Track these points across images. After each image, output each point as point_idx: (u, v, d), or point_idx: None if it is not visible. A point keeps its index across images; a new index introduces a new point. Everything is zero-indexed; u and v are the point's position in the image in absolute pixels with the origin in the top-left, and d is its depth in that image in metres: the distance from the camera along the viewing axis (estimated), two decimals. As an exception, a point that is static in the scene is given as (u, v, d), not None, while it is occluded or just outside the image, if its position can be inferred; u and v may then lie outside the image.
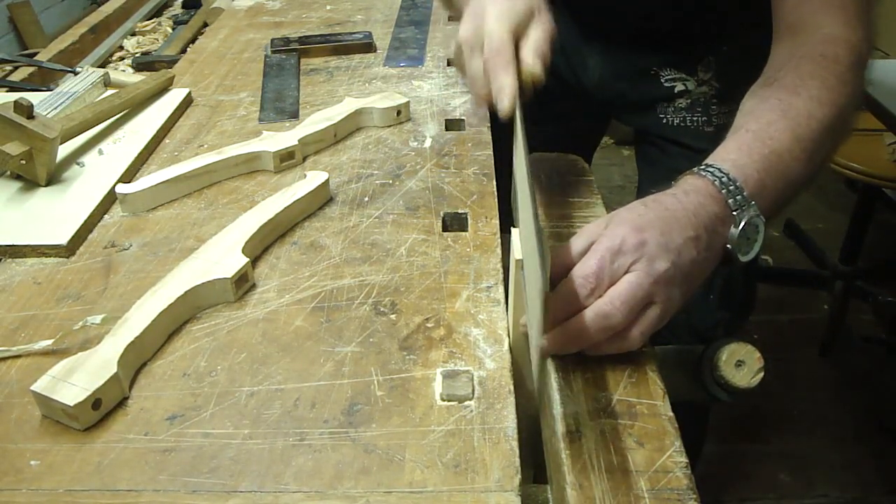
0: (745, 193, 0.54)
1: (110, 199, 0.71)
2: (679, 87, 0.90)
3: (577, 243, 0.53)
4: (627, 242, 0.49)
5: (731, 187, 0.54)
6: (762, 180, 0.55)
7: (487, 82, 0.59)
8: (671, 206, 0.53)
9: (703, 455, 1.28)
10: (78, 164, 0.77)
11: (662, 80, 0.91)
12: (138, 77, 0.97)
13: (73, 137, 0.78)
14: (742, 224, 0.53)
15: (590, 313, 0.48)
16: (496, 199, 0.69)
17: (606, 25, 0.92)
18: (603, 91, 0.96)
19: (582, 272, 0.49)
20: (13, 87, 0.98)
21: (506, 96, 0.57)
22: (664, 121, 0.93)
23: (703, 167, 0.56)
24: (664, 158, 0.95)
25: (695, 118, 0.91)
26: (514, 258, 0.51)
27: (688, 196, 0.54)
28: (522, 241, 0.51)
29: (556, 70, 0.98)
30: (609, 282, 0.48)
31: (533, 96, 0.60)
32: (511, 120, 0.58)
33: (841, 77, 0.60)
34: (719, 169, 0.55)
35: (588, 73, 0.96)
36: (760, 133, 0.58)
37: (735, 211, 0.53)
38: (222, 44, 1.12)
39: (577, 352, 0.50)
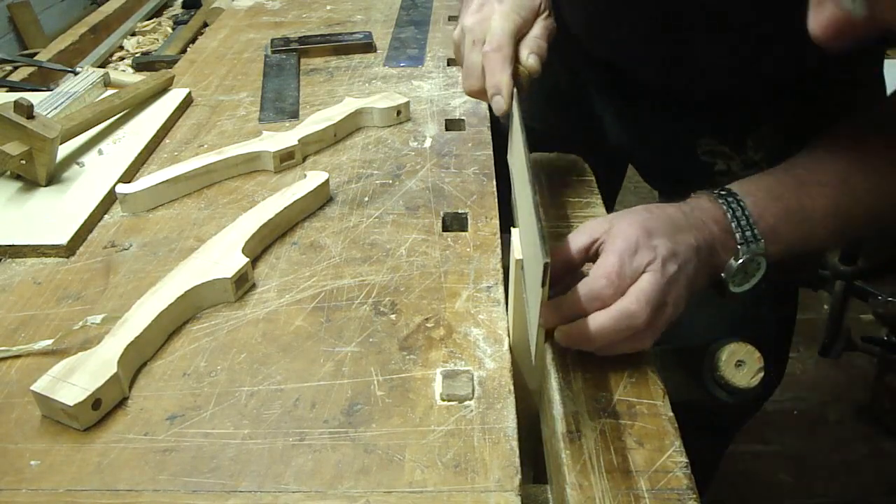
0: (755, 231, 0.53)
1: (110, 199, 0.71)
2: (720, 165, 0.72)
3: (577, 239, 0.52)
4: (641, 243, 0.49)
5: (742, 221, 0.53)
6: (776, 227, 0.54)
7: (482, 76, 0.59)
8: (674, 214, 0.53)
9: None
10: (78, 164, 0.77)
11: (699, 153, 0.72)
12: (138, 77, 0.97)
13: (73, 137, 0.78)
14: (743, 258, 0.53)
15: (615, 312, 0.48)
16: (496, 199, 0.69)
17: (629, 81, 0.76)
18: (622, 152, 0.84)
19: (604, 271, 0.49)
20: (13, 87, 0.98)
21: (502, 96, 0.57)
22: None
23: (723, 192, 0.54)
24: None
25: None
26: (514, 258, 0.51)
27: (692, 211, 0.53)
28: (522, 232, 0.51)
29: (564, 130, 0.86)
30: (629, 281, 0.48)
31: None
32: (507, 116, 0.59)
33: None
34: (738, 201, 0.53)
35: (603, 131, 0.83)
36: (802, 188, 0.55)
37: (741, 244, 0.53)
38: (222, 44, 1.12)
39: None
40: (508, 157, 0.64)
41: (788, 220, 0.54)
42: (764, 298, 0.78)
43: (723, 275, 0.53)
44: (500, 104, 0.58)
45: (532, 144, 0.58)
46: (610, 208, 0.94)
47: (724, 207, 0.53)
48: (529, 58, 0.59)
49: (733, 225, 0.53)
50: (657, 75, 0.72)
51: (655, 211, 0.53)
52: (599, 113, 0.82)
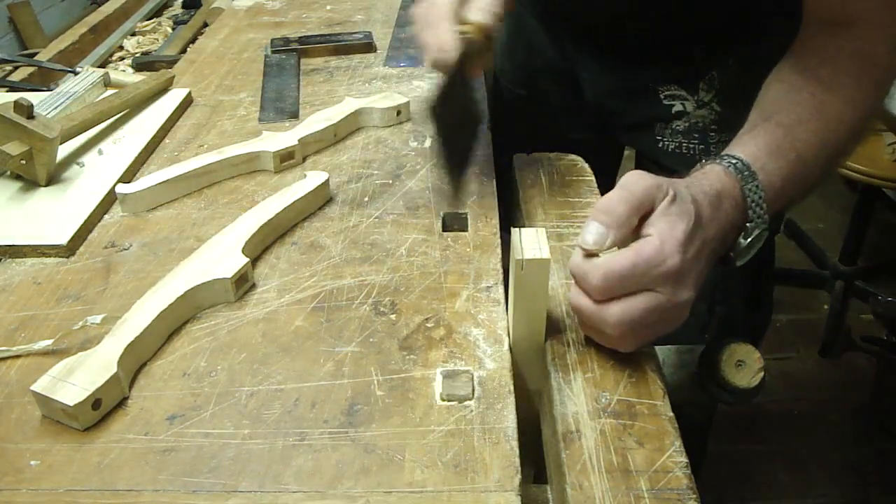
0: (763, 205, 0.53)
1: (110, 199, 0.71)
2: (677, 106, 0.85)
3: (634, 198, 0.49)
4: (667, 269, 0.46)
5: (755, 196, 0.53)
6: (782, 188, 0.55)
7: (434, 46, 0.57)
8: (705, 212, 0.50)
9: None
10: (78, 164, 0.77)
11: (661, 97, 0.86)
12: (138, 77, 0.97)
13: (73, 137, 0.78)
14: (752, 237, 0.53)
15: (589, 321, 0.48)
16: (496, 199, 0.69)
17: (600, 36, 0.88)
18: (599, 108, 0.92)
19: (620, 266, 0.46)
20: (13, 87, 0.98)
21: (448, 46, 0.55)
22: (660, 144, 0.88)
23: (735, 161, 0.54)
24: None
25: (692, 145, 0.86)
26: (513, 258, 0.51)
27: (720, 202, 0.52)
28: None
29: (548, 92, 0.95)
30: (632, 290, 0.47)
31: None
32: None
33: (876, 79, 0.58)
34: (750, 171, 0.53)
35: (581, 89, 0.92)
36: (791, 132, 0.56)
37: (749, 222, 0.53)
38: (222, 44, 1.12)
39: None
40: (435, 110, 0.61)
41: (789, 174, 0.55)
42: (737, 294, 0.86)
43: (731, 254, 0.54)
44: (443, 60, 0.55)
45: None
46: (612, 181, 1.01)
47: (740, 180, 0.53)
48: (475, 14, 0.56)
49: (749, 201, 0.53)
50: (635, 24, 0.82)
51: (697, 232, 0.49)
52: (579, 73, 0.92)
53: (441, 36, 0.55)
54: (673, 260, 0.46)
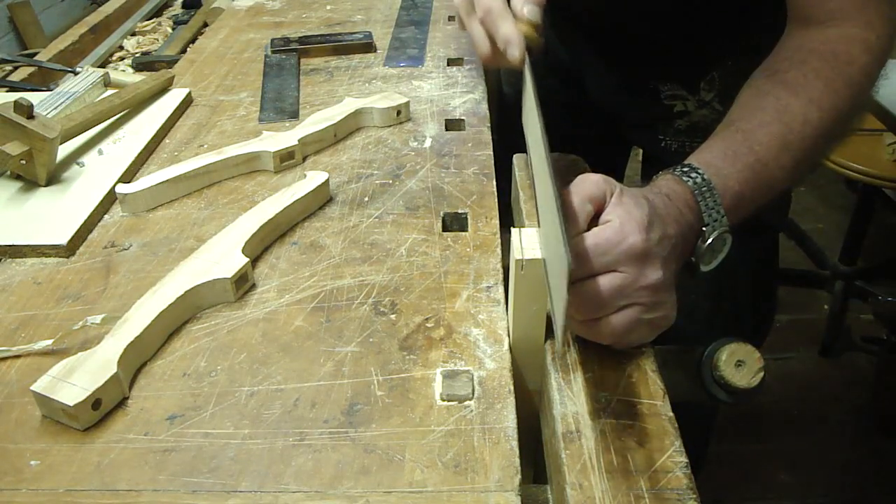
0: (720, 209, 0.53)
1: (110, 199, 0.71)
2: (678, 106, 0.85)
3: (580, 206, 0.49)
4: (629, 247, 0.46)
5: (709, 201, 0.53)
6: (741, 192, 0.54)
7: (487, 40, 0.60)
8: (668, 222, 0.51)
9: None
10: (78, 164, 0.77)
11: (662, 97, 0.86)
12: (138, 77, 0.97)
13: (73, 137, 0.78)
14: (710, 240, 0.53)
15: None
16: (496, 199, 0.69)
17: (603, 36, 0.89)
18: (603, 107, 0.93)
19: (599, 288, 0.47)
20: (13, 87, 0.98)
21: (513, 45, 0.58)
22: (663, 144, 0.88)
23: (687, 169, 0.55)
24: None
25: (694, 145, 0.82)
26: (513, 258, 0.51)
27: (672, 202, 0.52)
28: (541, 215, 0.50)
29: (555, 90, 0.96)
30: (595, 271, 0.47)
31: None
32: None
33: (849, 80, 0.58)
34: (702, 177, 0.54)
35: (586, 87, 0.93)
36: (750, 136, 0.57)
37: (706, 226, 0.53)
38: (222, 44, 1.12)
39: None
40: (523, 119, 0.64)
41: (749, 178, 0.55)
42: (743, 293, 0.87)
43: (693, 258, 0.54)
44: (514, 54, 0.58)
45: (521, 106, 0.59)
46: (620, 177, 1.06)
47: (692, 186, 0.53)
48: (524, 8, 0.59)
49: (702, 206, 0.53)
50: (638, 24, 0.82)
51: (657, 223, 0.50)
52: (583, 71, 0.94)
53: (507, 31, 0.58)
54: (633, 238, 0.46)
